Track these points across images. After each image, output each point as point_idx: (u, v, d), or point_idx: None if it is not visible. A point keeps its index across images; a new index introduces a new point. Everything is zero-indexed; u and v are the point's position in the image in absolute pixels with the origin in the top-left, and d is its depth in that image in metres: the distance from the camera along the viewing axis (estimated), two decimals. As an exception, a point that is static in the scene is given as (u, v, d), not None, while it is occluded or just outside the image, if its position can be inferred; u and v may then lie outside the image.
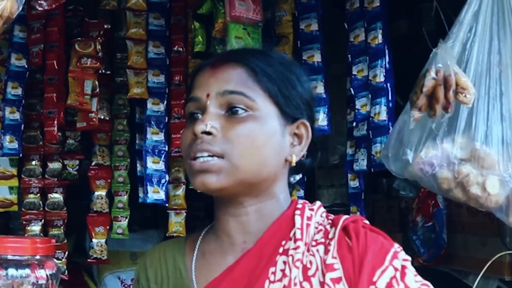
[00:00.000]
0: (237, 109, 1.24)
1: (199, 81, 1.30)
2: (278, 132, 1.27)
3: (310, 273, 1.20)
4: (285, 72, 1.31)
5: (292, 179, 1.39)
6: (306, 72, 1.42)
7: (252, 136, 1.23)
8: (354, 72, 2.65)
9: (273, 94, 1.27)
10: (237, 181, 1.23)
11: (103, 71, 3.00)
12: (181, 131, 2.81)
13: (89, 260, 3.08)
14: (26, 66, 2.84)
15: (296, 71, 1.35)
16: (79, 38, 2.86)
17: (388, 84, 2.51)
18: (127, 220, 3.08)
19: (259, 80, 1.27)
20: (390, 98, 2.51)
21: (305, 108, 1.33)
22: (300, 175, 1.40)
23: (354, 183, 2.76)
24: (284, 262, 1.22)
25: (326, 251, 1.21)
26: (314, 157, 1.39)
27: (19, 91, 2.83)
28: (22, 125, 2.87)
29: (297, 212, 1.29)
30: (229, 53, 1.43)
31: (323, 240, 1.23)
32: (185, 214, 2.98)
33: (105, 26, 3.01)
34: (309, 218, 1.27)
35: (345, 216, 1.26)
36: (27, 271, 1.24)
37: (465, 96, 1.84)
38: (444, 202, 2.79)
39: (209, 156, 1.22)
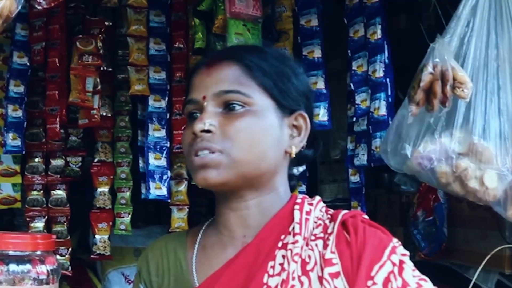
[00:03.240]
0: (234, 105, 1.26)
1: (195, 83, 1.32)
2: (276, 125, 1.29)
3: (308, 267, 1.21)
4: (279, 65, 1.33)
5: (295, 171, 1.40)
6: (302, 66, 1.44)
7: (250, 131, 1.25)
8: (354, 68, 2.66)
9: (268, 88, 1.29)
10: (237, 175, 1.25)
11: (105, 68, 3.01)
12: (183, 128, 2.87)
13: (92, 256, 3.10)
14: (28, 64, 2.86)
15: (291, 65, 1.36)
16: (80, 36, 2.87)
17: (388, 79, 2.52)
18: (130, 216, 3.09)
19: (254, 76, 1.29)
20: (389, 93, 2.52)
21: (302, 100, 1.35)
22: (304, 167, 1.41)
23: (355, 178, 2.77)
24: (283, 256, 1.23)
25: (325, 246, 1.22)
26: (316, 148, 1.41)
27: (21, 88, 2.85)
28: (25, 123, 2.89)
29: (296, 206, 1.30)
30: (223, 52, 1.44)
31: (322, 235, 1.24)
32: (187, 210, 2.99)
33: (106, 24, 3.02)
34: (308, 213, 1.29)
35: (344, 211, 1.28)
36: (28, 266, 1.24)
37: (463, 90, 1.85)
38: (444, 196, 2.80)
39: (209, 153, 1.24)
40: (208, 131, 1.25)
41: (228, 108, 1.27)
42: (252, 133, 1.25)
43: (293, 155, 1.32)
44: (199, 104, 1.29)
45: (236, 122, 1.25)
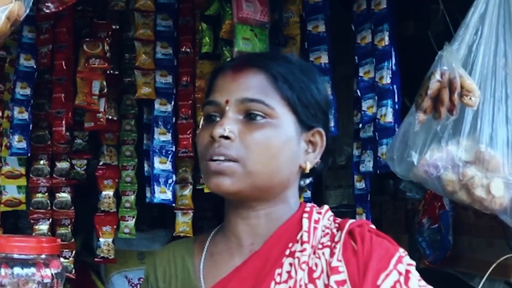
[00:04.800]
0: (255, 115, 1.25)
1: (219, 85, 1.31)
2: (294, 139, 1.28)
3: (315, 275, 1.21)
4: (305, 79, 1.31)
5: (302, 182, 1.39)
6: (321, 75, 1.42)
7: (268, 143, 1.24)
8: (361, 74, 2.65)
9: (292, 102, 1.28)
10: (250, 186, 1.24)
11: (111, 71, 3.02)
12: (188, 131, 2.88)
13: (96, 259, 3.10)
14: (34, 66, 2.87)
15: (315, 78, 1.35)
16: (88, 39, 2.88)
17: (395, 86, 2.51)
18: (134, 219, 3.09)
19: (280, 88, 1.27)
20: (396, 100, 2.51)
21: (321, 117, 1.34)
22: (310, 179, 1.41)
23: (360, 185, 2.77)
24: (290, 264, 1.23)
25: (332, 254, 1.22)
26: (325, 162, 1.39)
27: (27, 91, 2.86)
28: (31, 125, 2.90)
29: (305, 215, 1.30)
30: (250, 58, 1.41)
31: (329, 243, 1.24)
32: (192, 214, 2.99)
33: (113, 27, 3.03)
34: (316, 222, 1.29)
35: (352, 220, 1.27)
36: (33, 270, 1.24)
37: (470, 98, 1.84)
38: (450, 204, 2.78)
39: (225, 160, 1.23)
40: (227, 137, 1.24)
41: (249, 117, 1.25)
42: (270, 145, 1.24)
43: (307, 171, 1.31)
44: (221, 107, 1.27)
45: (255, 132, 1.24)
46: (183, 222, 2.98)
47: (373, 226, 1.27)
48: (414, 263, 1.22)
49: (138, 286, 3.59)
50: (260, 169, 1.24)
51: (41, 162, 3.08)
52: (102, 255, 3.07)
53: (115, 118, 3.11)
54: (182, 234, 2.94)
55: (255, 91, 1.26)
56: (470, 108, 1.88)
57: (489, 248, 2.65)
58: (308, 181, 1.40)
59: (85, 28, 3.05)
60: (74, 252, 3.04)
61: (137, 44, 2.89)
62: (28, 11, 1.43)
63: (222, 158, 1.23)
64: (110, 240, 3.07)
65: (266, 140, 1.24)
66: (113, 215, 3.08)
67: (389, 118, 2.50)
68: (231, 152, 1.23)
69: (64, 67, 2.88)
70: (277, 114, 1.26)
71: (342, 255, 1.21)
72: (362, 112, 2.64)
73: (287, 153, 1.27)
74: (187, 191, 2.99)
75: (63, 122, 2.90)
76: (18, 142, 2.86)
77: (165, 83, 2.90)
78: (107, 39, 2.90)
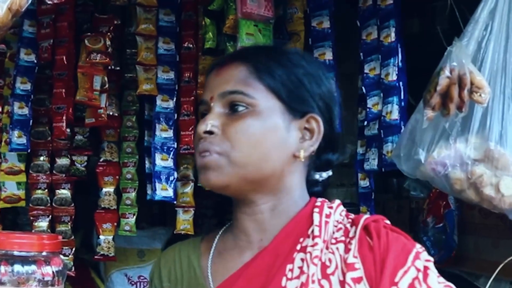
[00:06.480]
0: (237, 106, 1.25)
1: (207, 83, 1.33)
2: (281, 126, 1.26)
3: (329, 271, 1.19)
4: (292, 67, 1.29)
5: (317, 176, 1.36)
6: (323, 69, 1.38)
7: (250, 132, 1.23)
8: (366, 71, 2.63)
9: (275, 89, 1.26)
10: (239, 178, 1.23)
11: (113, 67, 2.99)
12: (190, 128, 2.85)
13: (96, 256, 3.08)
14: (35, 61, 2.84)
15: (306, 66, 1.32)
16: (89, 34, 2.86)
17: (401, 83, 2.49)
18: (134, 217, 3.08)
19: (260, 77, 1.26)
20: (402, 97, 2.49)
21: (316, 102, 1.30)
22: (330, 172, 1.37)
23: (364, 183, 2.74)
24: (302, 259, 1.21)
25: (347, 250, 1.19)
26: (342, 153, 1.37)
27: (28, 86, 2.83)
28: (31, 121, 2.87)
29: (316, 209, 1.28)
30: (234, 52, 1.43)
31: (343, 238, 1.22)
32: (193, 211, 2.97)
33: (115, 22, 3.00)
34: (327, 216, 1.26)
35: (366, 215, 1.25)
36: (33, 267, 1.21)
37: (480, 95, 1.81)
38: (455, 203, 2.76)
39: (209, 154, 1.24)
40: (210, 132, 1.24)
41: (232, 109, 1.26)
42: (252, 134, 1.23)
43: (302, 159, 1.28)
44: (208, 104, 1.29)
45: (237, 123, 1.24)
46: (184, 220, 2.97)
47: (388, 222, 1.24)
48: (432, 259, 1.19)
49: (138, 284, 3.58)
50: (244, 159, 1.22)
51: (41, 158, 3.06)
52: (102, 252, 3.05)
53: (116, 114, 3.09)
54: (183, 232, 2.93)
55: (234, 83, 1.26)
56: (480, 105, 1.85)
57: (495, 248, 2.63)
58: (325, 174, 1.36)
59: (87, 22, 3.03)
60: (73, 249, 3.02)
61: (139, 39, 2.87)
62: (29, 1, 1.41)
63: (207, 153, 1.24)
64: (110, 237, 3.05)
65: (248, 129, 1.23)
66: (114, 212, 3.06)
67: (395, 115, 2.48)
68: (214, 147, 1.23)
69: (65, 62, 2.85)
70: (258, 103, 1.25)
71: (358, 251, 1.18)
72: (367, 110, 2.62)
73: (273, 141, 1.25)
74: (189, 189, 2.98)
75: (64, 118, 2.87)
76: (18, 137, 2.84)
77: (167, 79, 2.88)
78: (109, 34, 2.88)
